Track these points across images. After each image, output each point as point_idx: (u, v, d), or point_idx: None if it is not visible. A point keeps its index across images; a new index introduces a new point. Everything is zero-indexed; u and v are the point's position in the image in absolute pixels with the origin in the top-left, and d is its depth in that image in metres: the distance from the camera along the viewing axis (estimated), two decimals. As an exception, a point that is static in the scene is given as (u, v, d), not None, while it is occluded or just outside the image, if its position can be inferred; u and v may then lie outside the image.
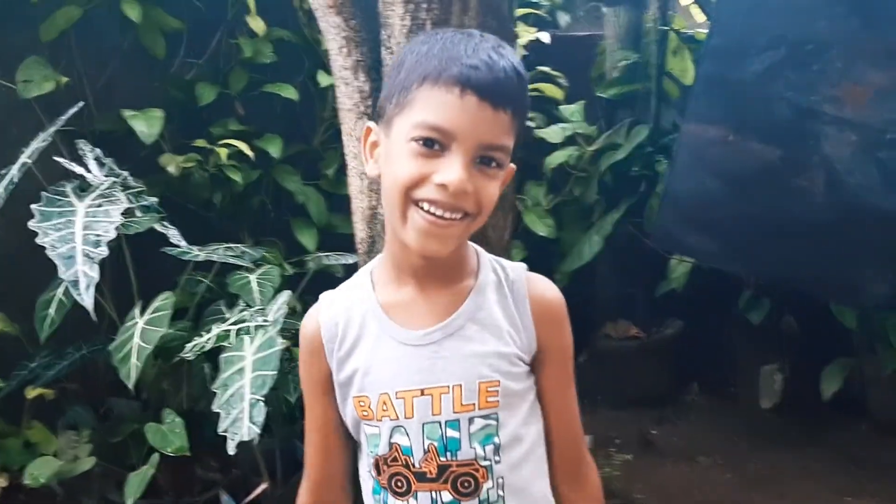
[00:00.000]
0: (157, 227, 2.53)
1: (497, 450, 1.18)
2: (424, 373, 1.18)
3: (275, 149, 3.19)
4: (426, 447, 1.17)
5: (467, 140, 1.07)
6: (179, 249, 2.46)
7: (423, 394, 1.17)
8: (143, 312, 2.40)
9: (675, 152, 2.97)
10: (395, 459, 1.19)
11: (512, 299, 1.22)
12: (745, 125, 2.80)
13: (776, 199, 2.81)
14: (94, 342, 2.69)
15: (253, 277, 2.59)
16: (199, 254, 2.46)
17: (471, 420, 1.17)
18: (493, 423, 1.18)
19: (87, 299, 2.10)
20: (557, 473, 1.29)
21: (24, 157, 2.39)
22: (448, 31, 1.16)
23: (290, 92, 3.22)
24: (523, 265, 1.27)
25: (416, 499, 1.18)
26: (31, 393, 2.63)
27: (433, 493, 1.18)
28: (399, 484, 1.19)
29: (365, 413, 1.21)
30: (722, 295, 3.76)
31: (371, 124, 1.20)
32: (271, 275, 2.60)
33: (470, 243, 1.24)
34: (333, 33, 2.77)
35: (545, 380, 1.25)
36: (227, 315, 2.48)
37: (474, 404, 1.17)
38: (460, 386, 1.17)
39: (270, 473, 2.51)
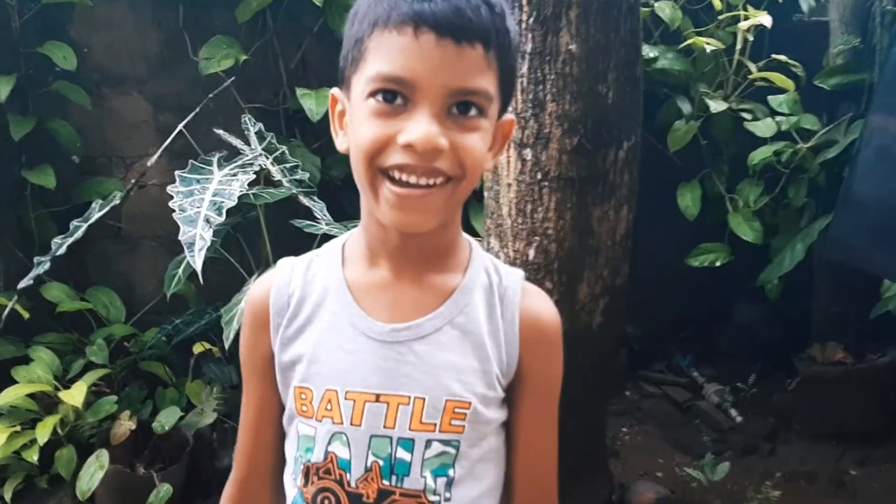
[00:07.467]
0: (304, 201, 2.61)
1: (450, 485, 0.99)
2: (384, 375, 0.98)
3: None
4: (369, 464, 0.98)
5: (431, 87, 0.87)
6: (305, 223, 2.52)
7: (377, 400, 0.98)
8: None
9: (857, 150, 2.53)
10: (328, 472, 0.99)
11: (500, 309, 1.02)
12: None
13: None
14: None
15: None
16: (323, 228, 2.51)
17: (428, 443, 0.97)
18: (453, 451, 0.99)
19: (198, 261, 2.21)
20: None
21: (181, 126, 2.57)
22: None
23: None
24: (520, 272, 1.06)
25: None
26: (199, 348, 2.86)
27: None
28: (326, 502, 1.00)
29: (304, 408, 1.01)
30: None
31: (335, 91, 1.00)
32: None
33: (464, 235, 1.05)
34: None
35: (522, 412, 1.05)
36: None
37: (435, 425, 0.98)
38: (423, 400, 0.97)
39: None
